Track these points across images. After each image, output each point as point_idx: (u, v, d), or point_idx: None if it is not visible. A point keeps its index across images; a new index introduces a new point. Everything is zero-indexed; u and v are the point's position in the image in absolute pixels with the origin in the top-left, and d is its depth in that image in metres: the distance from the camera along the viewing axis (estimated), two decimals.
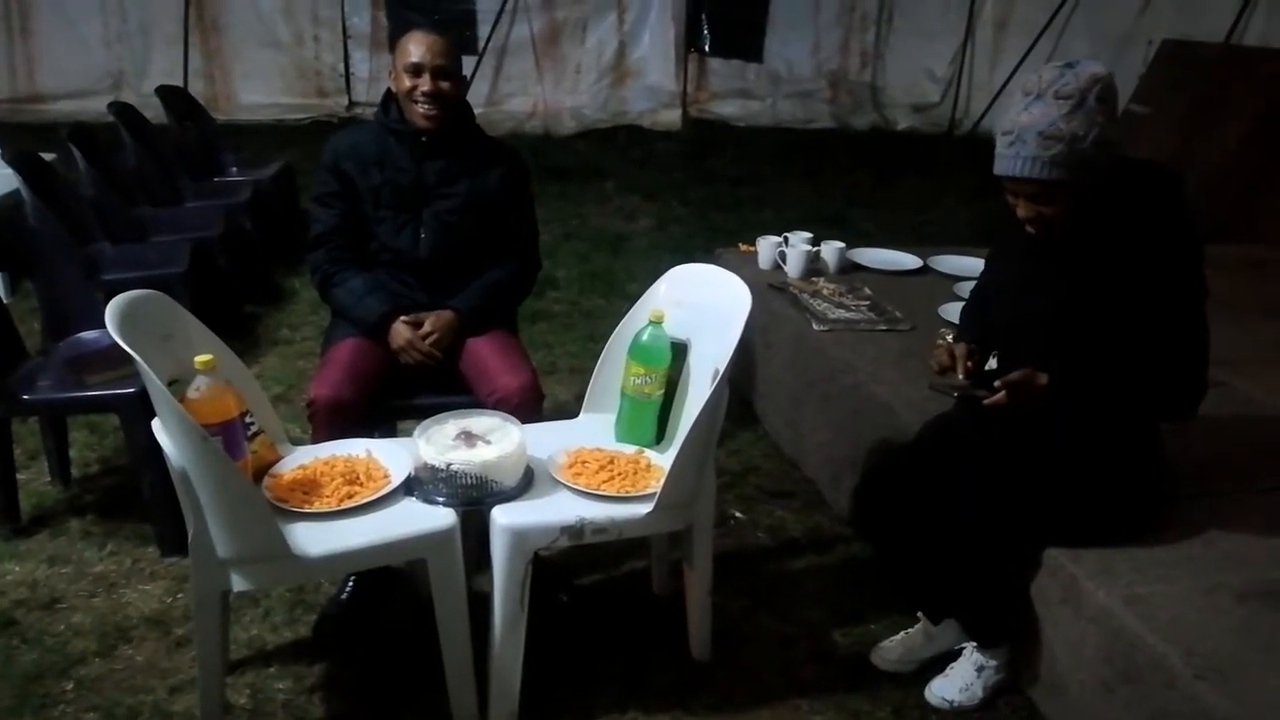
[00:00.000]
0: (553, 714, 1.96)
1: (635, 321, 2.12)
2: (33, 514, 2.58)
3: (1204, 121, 5.19)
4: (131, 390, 2.34)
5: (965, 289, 3.17)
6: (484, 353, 2.30)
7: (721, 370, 1.86)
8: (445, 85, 2.24)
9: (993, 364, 2.00)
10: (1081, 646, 1.79)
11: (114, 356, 2.45)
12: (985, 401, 1.78)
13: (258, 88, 8.45)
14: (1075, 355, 1.77)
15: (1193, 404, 1.75)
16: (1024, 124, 1.66)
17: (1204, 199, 4.58)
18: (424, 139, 2.29)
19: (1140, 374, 1.74)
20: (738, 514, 2.71)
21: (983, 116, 9.07)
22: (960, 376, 1.85)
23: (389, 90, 2.33)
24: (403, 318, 2.27)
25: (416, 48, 2.22)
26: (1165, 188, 1.74)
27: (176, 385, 1.73)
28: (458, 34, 8.51)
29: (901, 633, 2.16)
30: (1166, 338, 1.72)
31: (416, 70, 2.22)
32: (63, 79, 7.98)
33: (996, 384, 1.78)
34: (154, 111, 4.77)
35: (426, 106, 2.23)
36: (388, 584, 2.28)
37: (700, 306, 2.08)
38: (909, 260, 3.54)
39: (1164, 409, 1.80)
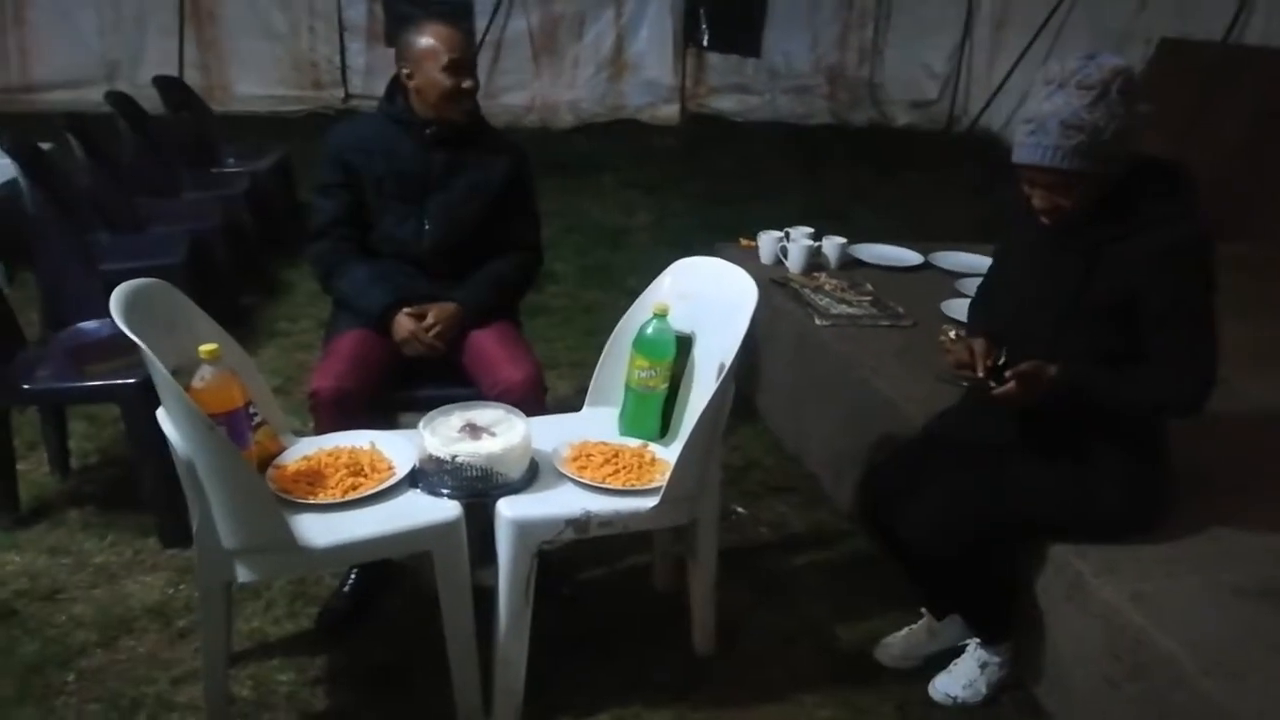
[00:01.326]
0: (557, 707, 1.96)
1: (640, 314, 2.12)
2: (32, 505, 2.57)
3: (1202, 120, 5.20)
4: (132, 380, 2.33)
5: (966, 285, 3.18)
6: (487, 345, 2.30)
7: (727, 364, 1.86)
8: (475, 81, 2.25)
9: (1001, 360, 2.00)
10: (1086, 643, 1.79)
11: (114, 346, 2.44)
12: (995, 392, 1.75)
13: (253, 79, 8.40)
14: (1084, 348, 1.75)
15: (1200, 400, 1.73)
16: (1046, 113, 1.64)
17: (1202, 197, 4.59)
18: (429, 130, 2.27)
19: (1148, 369, 1.73)
20: (739, 509, 2.71)
21: (981, 113, 9.07)
22: (979, 374, 1.81)
23: (394, 80, 2.31)
24: (406, 309, 2.26)
25: (453, 45, 2.19)
26: (1179, 184, 1.74)
27: (180, 375, 1.72)
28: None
29: (905, 628, 2.16)
30: (1176, 333, 1.71)
31: (457, 68, 2.19)
32: (57, 69, 7.92)
33: (1007, 374, 1.75)
34: (149, 102, 4.73)
35: (469, 104, 2.24)
36: (390, 577, 2.27)
37: (705, 300, 2.07)
38: (910, 256, 3.54)
39: (1171, 405, 1.77)
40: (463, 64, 2.20)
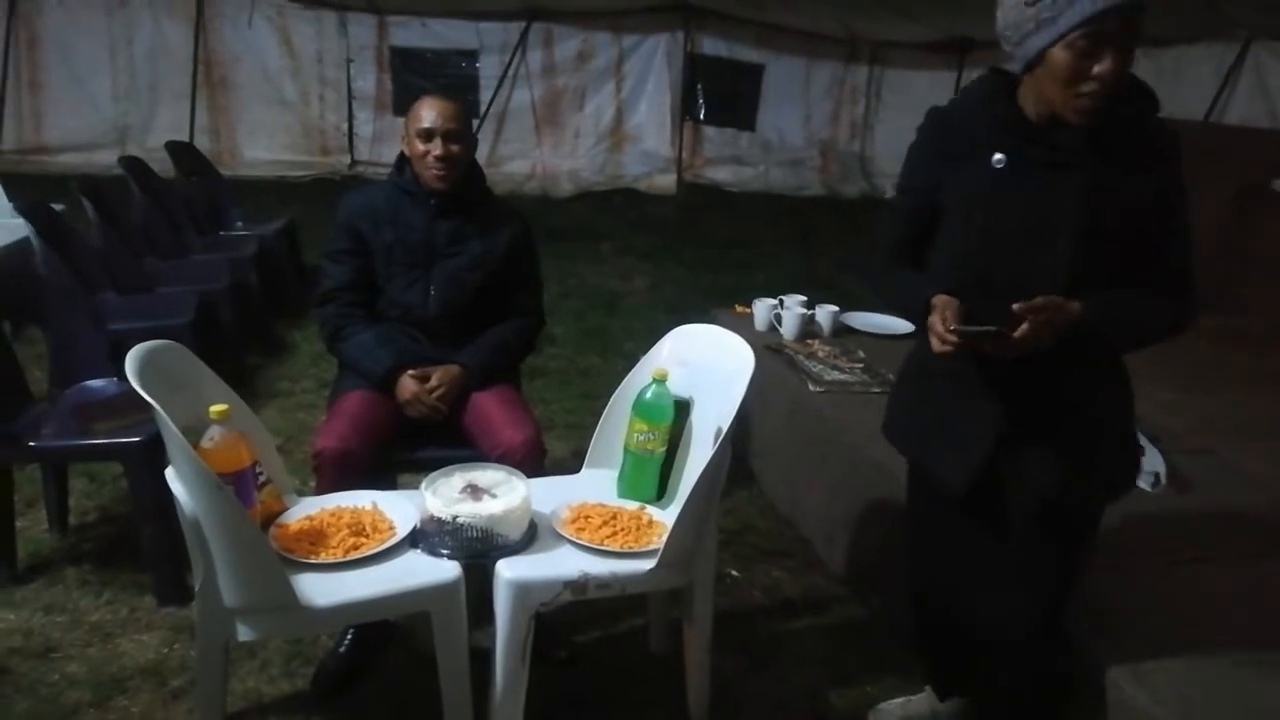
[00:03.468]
0: None
1: (639, 379, 2.17)
2: (29, 561, 2.57)
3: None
4: (138, 439, 2.36)
5: None
6: (488, 407, 2.34)
7: (724, 429, 1.90)
8: (455, 149, 2.32)
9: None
10: None
11: (120, 405, 2.49)
12: (1015, 335, 1.47)
13: (262, 144, 8.61)
14: (1096, 277, 1.54)
15: (1194, 316, 1.62)
16: None
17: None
18: (434, 200, 2.36)
19: (1156, 290, 1.58)
20: (734, 572, 2.73)
21: None
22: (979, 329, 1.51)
23: (402, 152, 2.41)
24: (410, 372, 2.31)
25: (428, 113, 2.30)
26: (1146, 92, 1.60)
27: (188, 434, 1.76)
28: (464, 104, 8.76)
29: (903, 697, 2.16)
30: (1180, 244, 1.59)
31: (428, 135, 2.30)
32: (70, 132, 8.12)
33: (1017, 308, 1.47)
34: (161, 165, 4.86)
35: (438, 169, 2.31)
36: (385, 638, 2.28)
37: (703, 366, 2.13)
38: (901, 324, 3.60)
39: (1179, 325, 1.62)
40: (434, 131, 2.29)
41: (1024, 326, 1.47)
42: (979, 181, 1.60)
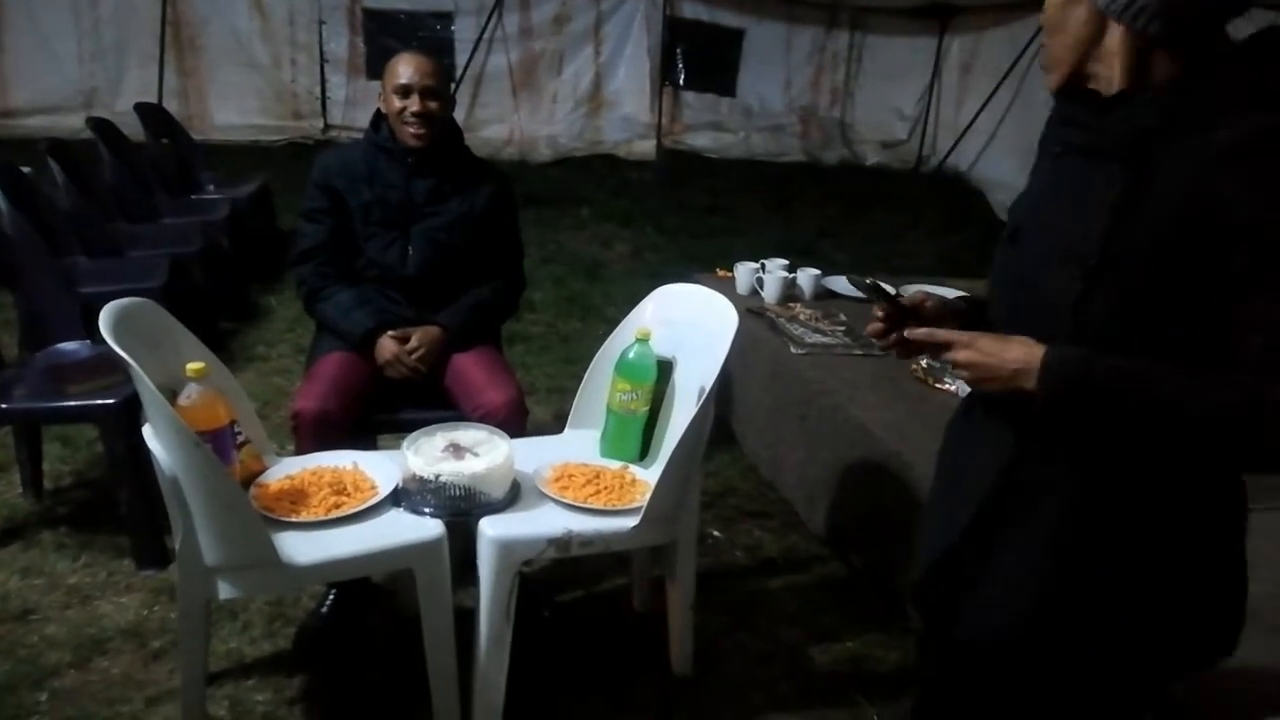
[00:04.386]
0: None
1: (622, 339, 2.16)
2: (4, 526, 2.55)
3: None
4: (112, 400, 2.33)
5: None
6: (469, 368, 2.33)
7: (707, 388, 1.90)
8: (433, 105, 2.29)
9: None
10: None
11: (94, 366, 2.45)
12: (908, 335, 1.21)
13: (233, 108, 8.45)
14: (1117, 326, 1.07)
15: None
16: None
17: None
18: (412, 158, 2.33)
19: (1227, 367, 1.01)
20: (715, 533, 2.75)
21: (949, 154, 9.30)
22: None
23: (378, 110, 2.37)
24: (389, 333, 2.29)
25: (405, 69, 2.27)
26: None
27: (164, 393, 1.73)
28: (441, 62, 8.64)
29: None
30: (1252, 320, 1.00)
31: (405, 91, 2.27)
32: (35, 95, 7.93)
33: (903, 300, 1.27)
34: (130, 128, 4.75)
35: (415, 126, 2.28)
36: (367, 598, 2.28)
37: (687, 325, 2.13)
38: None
39: (1250, 446, 1.03)
40: (411, 87, 2.27)
41: (925, 331, 1.19)
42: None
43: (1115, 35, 1.08)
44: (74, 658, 2.07)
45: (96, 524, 2.56)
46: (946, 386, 2.65)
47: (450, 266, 2.40)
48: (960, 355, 1.14)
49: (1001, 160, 8.06)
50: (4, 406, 2.36)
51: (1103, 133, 1.10)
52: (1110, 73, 1.09)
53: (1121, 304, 1.07)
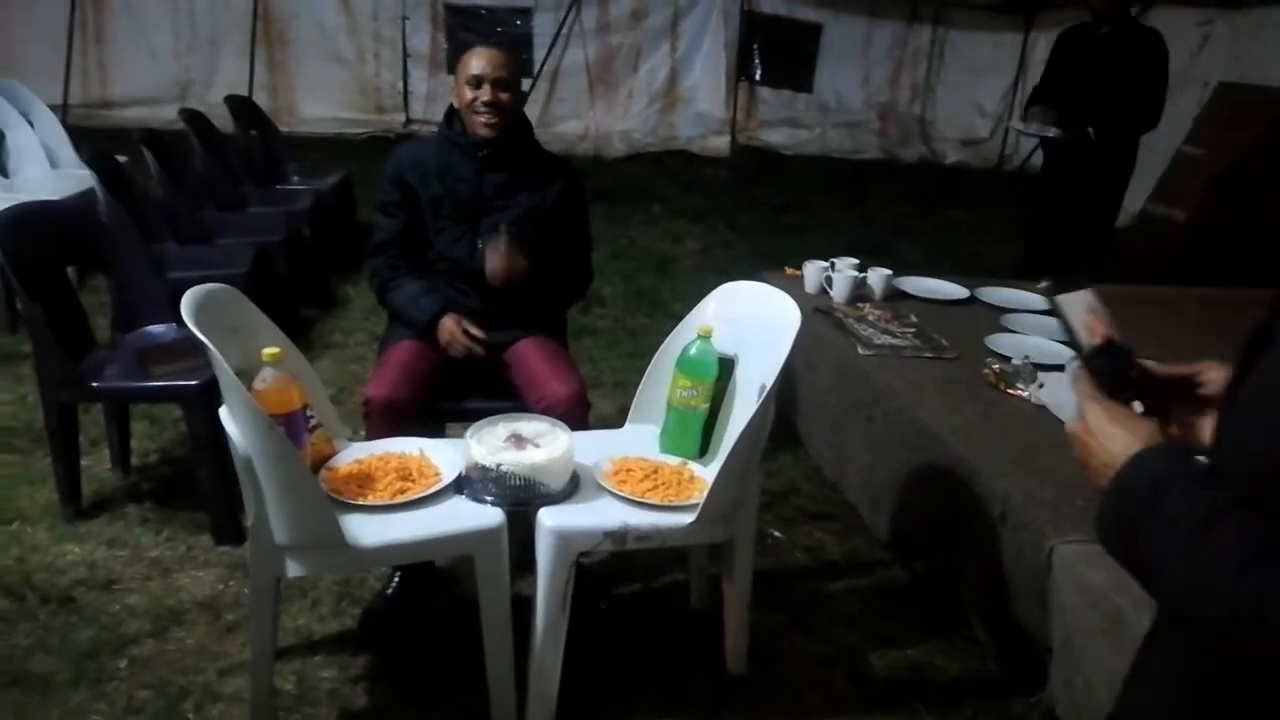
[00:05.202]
0: (590, 717, 1.99)
1: (684, 335, 2.16)
2: (93, 499, 2.68)
3: (1260, 164, 5.14)
4: (195, 382, 2.43)
5: (1013, 320, 3.18)
6: (533, 360, 2.36)
7: (768, 385, 1.89)
8: (504, 96, 2.32)
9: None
10: (1122, 681, 1.77)
11: (179, 349, 2.56)
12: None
13: (319, 101, 8.69)
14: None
15: None
16: None
17: (1264, 242, 4.54)
18: (483, 152, 2.36)
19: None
20: (776, 533, 2.73)
21: (1032, 153, 9.01)
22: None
23: (451, 105, 2.41)
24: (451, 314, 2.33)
25: (478, 61, 2.31)
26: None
27: (242, 376, 1.80)
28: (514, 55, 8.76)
29: None
30: None
31: (478, 82, 2.30)
32: (133, 86, 8.28)
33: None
34: (221, 120, 4.93)
35: (487, 116, 2.31)
36: (432, 581, 2.33)
37: (749, 323, 2.12)
38: (956, 290, 3.54)
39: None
40: (483, 78, 2.30)
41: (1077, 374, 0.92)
42: None
43: None
44: (153, 627, 2.17)
45: (178, 500, 2.67)
46: (1019, 392, 2.58)
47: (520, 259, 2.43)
48: (1070, 427, 0.89)
49: None
50: (94, 385, 2.48)
51: None
52: None
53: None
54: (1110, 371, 0.89)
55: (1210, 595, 0.70)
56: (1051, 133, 4.41)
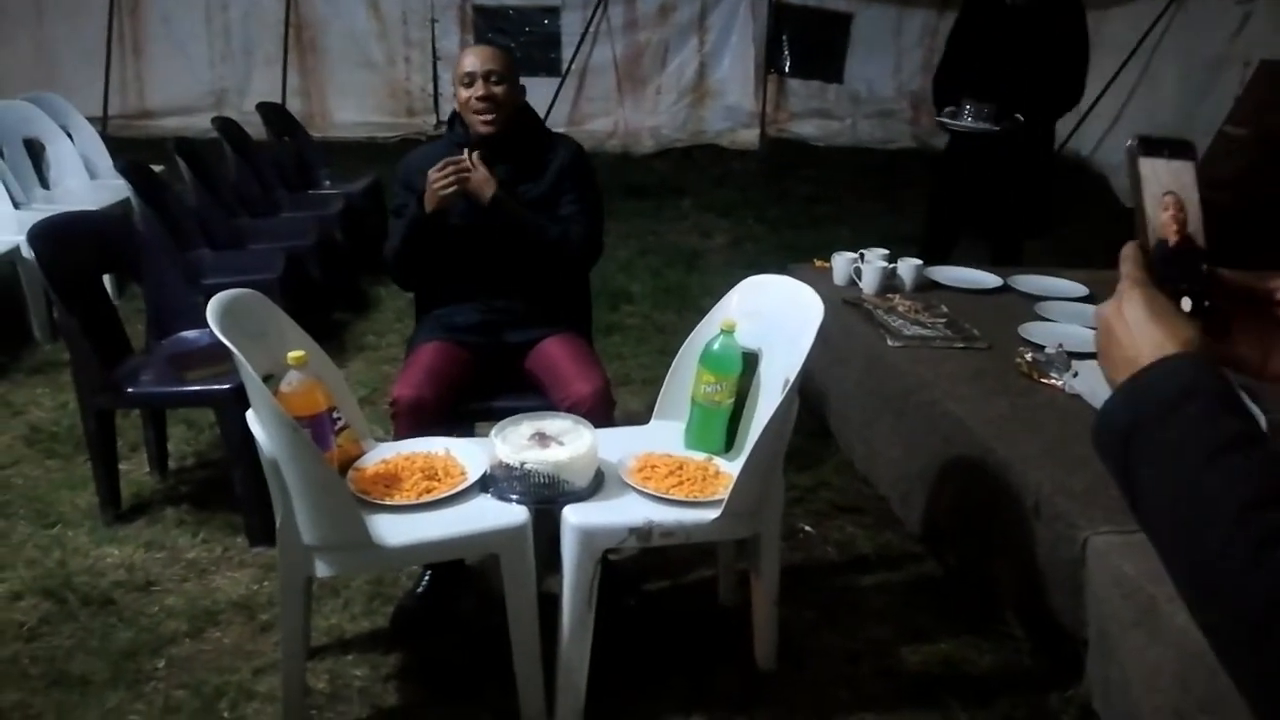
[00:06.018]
0: (619, 713, 1.99)
1: (707, 331, 2.15)
2: (132, 502, 2.73)
3: None
4: (228, 386, 2.46)
5: (1047, 308, 3.12)
6: (558, 359, 2.36)
7: (792, 380, 1.87)
8: (498, 89, 2.32)
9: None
10: (1158, 674, 1.74)
11: (213, 354, 2.59)
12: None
13: (351, 106, 8.79)
14: None
15: None
16: None
17: None
18: (480, 149, 2.35)
19: None
20: (807, 528, 2.71)
21: (1067, 139, 8.85)
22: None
23: (454, 110, 2.44)
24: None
25: (468, 59, 2.34)
26: None
27: (270, 380, 1.83)
28: (542, 55, 8.82)
29: None
30: None
31: (470, 79, 2.32)
32: (170, 97, 8.44)
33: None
34: (254, 127, 5.01)
35: (483, 111, 2.33)
36: (462, 580, 2.34)
37: (772, 317, 2.10)
38: (988, 279, 3.48)
39: None
40: (475, 74, 2.30)
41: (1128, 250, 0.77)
42: None
43: None
44: (189, 628, 2.21)
45: (215, 502, 2.72)
46: (1052, 381, 2.54)
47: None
48: (1101, 308, 0.77)
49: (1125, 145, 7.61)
50: (130, 391, 2.54)
51: None
52: None
53: None
54: (1172, 261, 0.76)
55: (1204, 526, 0.63)
56: (984, 128, 3.83)
